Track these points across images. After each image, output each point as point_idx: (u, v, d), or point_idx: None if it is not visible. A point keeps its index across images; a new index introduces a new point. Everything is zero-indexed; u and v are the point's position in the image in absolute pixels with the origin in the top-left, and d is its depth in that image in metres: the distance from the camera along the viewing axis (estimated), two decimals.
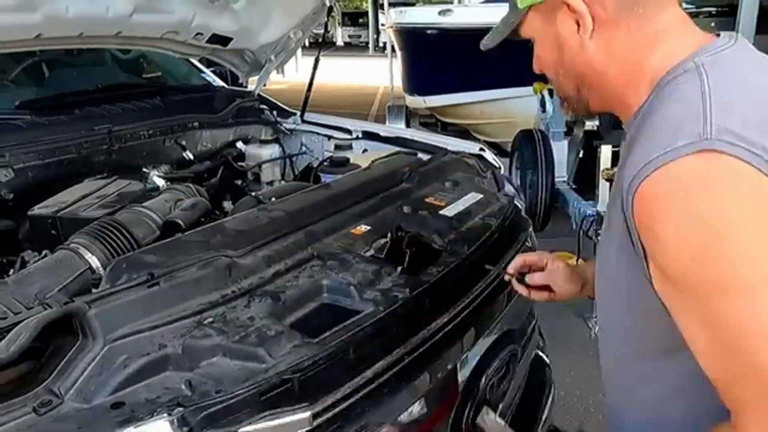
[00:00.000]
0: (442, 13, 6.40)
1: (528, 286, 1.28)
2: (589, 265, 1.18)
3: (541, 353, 2.00)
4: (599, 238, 1.03)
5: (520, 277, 1.29)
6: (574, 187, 4.35)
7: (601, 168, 3.38)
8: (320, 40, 3.21)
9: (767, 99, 0.75)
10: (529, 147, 4.68)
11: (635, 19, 0.82)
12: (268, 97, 2.77)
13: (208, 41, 2.36)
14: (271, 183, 2.34)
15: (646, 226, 0.75)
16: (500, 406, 1.53)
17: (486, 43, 1.04)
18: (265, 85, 2.74)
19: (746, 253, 0.69)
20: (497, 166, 2.08)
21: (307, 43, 3.02)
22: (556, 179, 4.31)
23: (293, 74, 6.71)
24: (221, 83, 2.95)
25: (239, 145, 2.49)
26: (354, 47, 27.34)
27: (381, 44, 22.11)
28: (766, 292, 0.68)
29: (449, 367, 1.30)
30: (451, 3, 8.36)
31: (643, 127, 0.80)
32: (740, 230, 0.69)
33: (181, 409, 0.89)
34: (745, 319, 0.69)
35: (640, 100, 0.84)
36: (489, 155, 2.11)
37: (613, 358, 1.00)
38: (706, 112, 0.72)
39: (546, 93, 5.36)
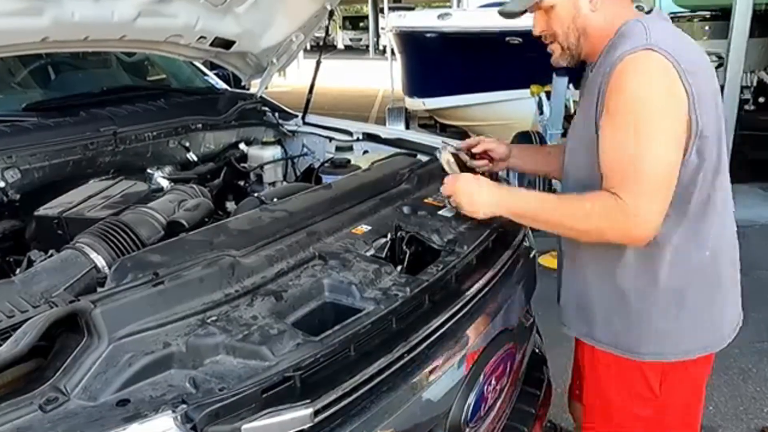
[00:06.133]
0: (441, 16, 6.40)
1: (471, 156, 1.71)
2: (518, 148, 1.82)
3: (538, 350, 2.00)
4: (570, 128, 1.51)
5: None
6: None
7: None
8: (321, 43, 3.21)
9: (680, 40, 1.31)
10: None
11: None
12: (271, 100, 2.77)
13: (211, 45, 2.35)
14: (273, 184, 2.34)
15: (614, 85, 1.25)
16: (498, 402, 1.53)
17: (510, 8, 1.40)
18: (267, 88, 2.74)
19: (648, 109, 1.23)
20: None
21: (308, 47, 3.02)
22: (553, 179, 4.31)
23: (295, 74, 6.67)
24: (224, 86, 2.95)
25: (242, 146, 2.48)
26: (355, 50, 27.33)
27: (381, 47, 22.12)
28: (649, 135, 1.23)
29: (448, 365, 1.30)
30: (450, 7, 8.36)
31: (609, 52, 1.30)
32: (650, 95, 1.23)
33: (184, 406, 0.89)
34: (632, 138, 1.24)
35: (604, 47, 1.34)
36: None
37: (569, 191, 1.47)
38: (647, 35, 1.24)
39: (543, 95, 5.36)
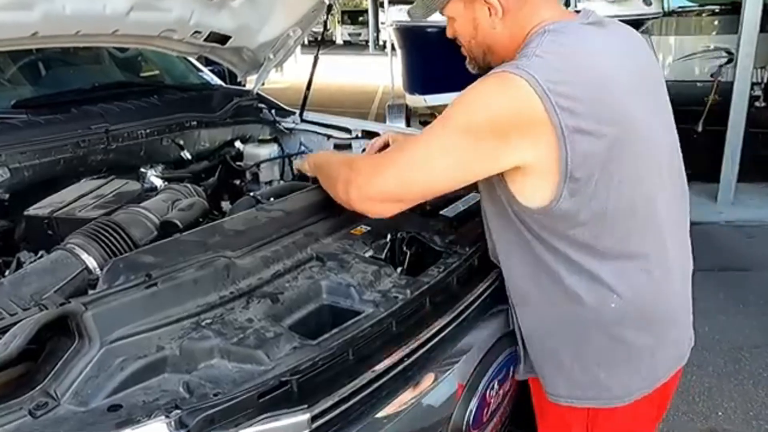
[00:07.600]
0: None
1: None
2: None
3: None
4: None
5: None
6: None
7: None
8: (319, 38, 3.20)
9: (575, 56, 1.13)
10: None
11: (522, 4, 1.19)
12: (267, 96, 2.76)
13: (206, 39, 2.35)
14: (269, 183, 2.34)
15: None
16: (500, 406, 1.53)
17: (413, 13, 1.37)
18: (263, 84, 2.74)
19: (461, 116, 1.14)
20: None
21: (306, 42, 3.01)
22: None
23: (292, 70, 6.67)
24: (219, 82, 2.94)
25: (237, 144, 2.48)
26: (354, 46, 27.32)
27: (381, 43, 22.11)
28: (439, 134, 1.17)
29: (450, 368, 1.30)
30: None
31: None
32: (477, 108, 1.12)
33: (178, 411, 0.89)
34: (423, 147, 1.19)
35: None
36: None
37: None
38: (532, 55, 1.10)
39: None
